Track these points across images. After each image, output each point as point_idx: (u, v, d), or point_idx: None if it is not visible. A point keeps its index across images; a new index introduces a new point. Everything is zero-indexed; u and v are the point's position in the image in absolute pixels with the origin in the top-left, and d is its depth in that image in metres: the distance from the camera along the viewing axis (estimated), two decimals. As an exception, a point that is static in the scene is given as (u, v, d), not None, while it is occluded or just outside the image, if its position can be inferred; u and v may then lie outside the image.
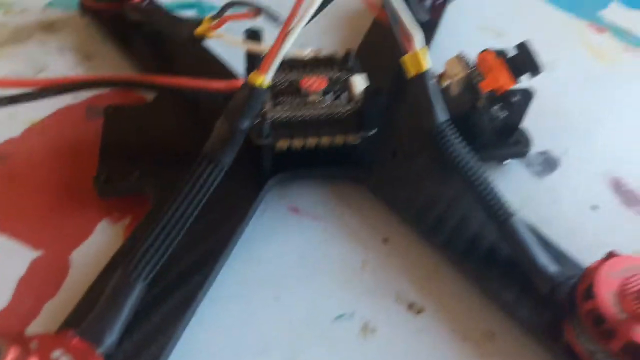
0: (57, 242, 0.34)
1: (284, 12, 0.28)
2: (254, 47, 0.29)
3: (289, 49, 0.27)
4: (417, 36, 0.32)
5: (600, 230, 0.37)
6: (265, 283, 0.33)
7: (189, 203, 0.29)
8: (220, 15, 0.31)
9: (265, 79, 0.28)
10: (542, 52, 0.49)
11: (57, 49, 0.46)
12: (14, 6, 0.50)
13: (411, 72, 0.32)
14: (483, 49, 0.38)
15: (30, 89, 0.33)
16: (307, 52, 0.27)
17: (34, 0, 0.51)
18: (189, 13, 0.51)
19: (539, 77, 0.37)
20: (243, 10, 0.29)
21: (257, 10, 0.28)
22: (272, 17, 0.25)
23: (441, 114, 0.32)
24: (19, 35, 0.47)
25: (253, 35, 0.29)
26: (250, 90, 0.28)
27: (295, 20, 0.26)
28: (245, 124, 0.29)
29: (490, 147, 0.39)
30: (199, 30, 0.32)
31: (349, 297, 0.33)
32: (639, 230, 0.37)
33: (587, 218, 0.38)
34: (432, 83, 0.32)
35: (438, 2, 0.50)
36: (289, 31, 0.27)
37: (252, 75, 0.28)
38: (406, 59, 0.32)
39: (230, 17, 0.30)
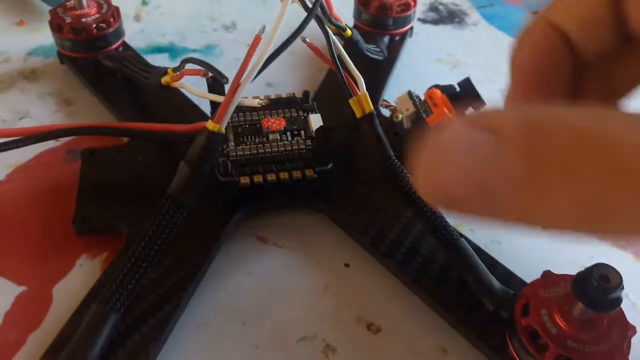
0: (40, 278, 0.37)
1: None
2: (214, 97, 0.31)
3: (240, 99, 0.30)
4: (361, 81, 0.35)
5: (549, 247, 0.39)
6: (233, 310, 0.36)
7: (155, 242, 0.31)
8: (180, 69, 0.34)
9: (220, 126, 0.31)
10: (495, 80, 0.52)
11: (38, 96, 0.49)
12: (-3, 55, 0.53)
13: (358, 113, 0.35)
14: (434, 84, 0.41)
15: (11, 138, 0.36)
16: (258, 101, 0.30)
17: (16, 49, 0.54)
18: (162, 56, 0.54)
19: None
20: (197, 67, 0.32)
21: (206, 71, 0.31)
22: (220, 75, 0.28)
23: (387, 150, 0.35)
24: (2, 84, 0.50)
25: (214, 87, 0.32)
26: (208, 136, 0.31)
27: (244, 75, 0.29)
28: (205, 167, 0.32)
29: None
30: (164, 80, 0.35)
31: (312, 320, 0.35)
32: (587, 246, 0.40)
33: (537, 236, 0.40)
34: (377, 122, 0.35)
35: (396, 39, 0.53)
36: (239, 85, 0.30)
37: (209, 123, 0.31)
38: (353, 101, 0.35)
39: (187, 72, 0.33)
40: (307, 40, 0.35)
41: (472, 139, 0.15)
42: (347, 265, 0.38)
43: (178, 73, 0.34)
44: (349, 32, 0.39)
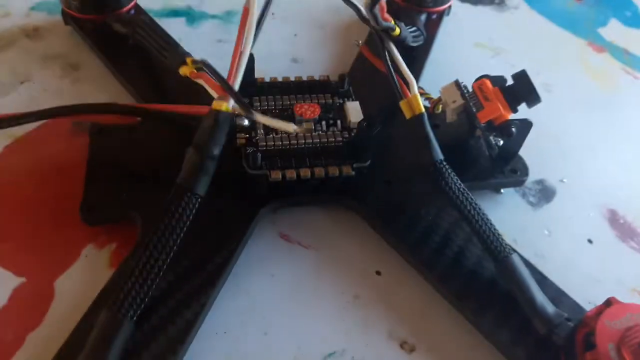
0: (40, 269, 0.33)
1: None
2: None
3: (272, 120, 0.28)
4: (412, 82, 0.32)
5: (595, 265, 0.37)
6: (254, 317, 0.32)
7: (168, 236, 0.28)
8: (197, 65, 0.30)
9: (228, 103, 0.28)
10: (539, 72, 0.49)
11: (41, 58, 0.45)
12: (-4, 9, 0.49)
13: (408, 114, 0.32)
14: (480, 75, 0.37)
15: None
16: (293, 127, 0.28)
17: (17, 3, 0.49)
18: (178, 21, 0.49)
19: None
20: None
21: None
22: (247, 110, 0.26)
23: (437, 153, 0.32)
24: (1, 41, 0.45)
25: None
26: (216, 116, 0.28)
27: (243, 41, 0.27)
28: (215, 150, 0.29)
29: (487, 176, 0.38)
30: (182, 71, 0.31)
31: (340, 334, 0.32)
32: (634, 266, 0.37)
33: (582, 252, 0.37)
34: (427, 124, 0.32)
35: (434, 17, 0.49)
36: (240, 53, 0.27)
37: (215, 101, 0.28)
38: (403, 103, 0.32)
39: (207, 80, 0.29)
40: (360, 42, 0.32)
41: None
42: (378, 272, 0.35)
43: (196, 71, 0.31)
44: (397, 31, 0.35)
